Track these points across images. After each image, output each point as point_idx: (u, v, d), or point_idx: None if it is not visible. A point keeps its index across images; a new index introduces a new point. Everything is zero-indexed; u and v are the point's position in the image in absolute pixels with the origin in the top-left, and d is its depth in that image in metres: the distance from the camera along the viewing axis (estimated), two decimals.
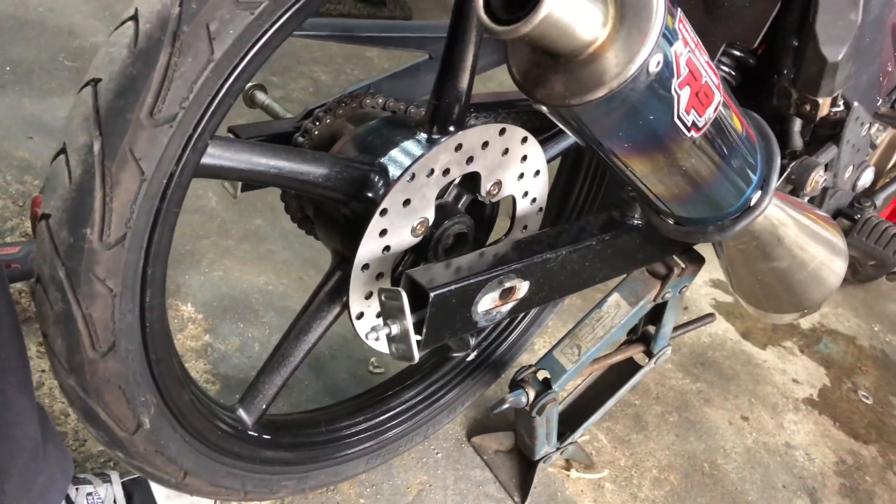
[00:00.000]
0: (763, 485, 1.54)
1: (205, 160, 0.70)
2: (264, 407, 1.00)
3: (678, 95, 0.64)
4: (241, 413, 0.99)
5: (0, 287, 0.73)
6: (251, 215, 1.57)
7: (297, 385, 1.34)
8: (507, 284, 0.92)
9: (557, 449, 1.36)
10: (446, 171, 0.89)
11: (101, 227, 0.59)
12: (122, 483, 1.02)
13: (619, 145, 0.69)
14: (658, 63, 0.60)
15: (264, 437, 1.02)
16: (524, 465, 1.36)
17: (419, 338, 0.86)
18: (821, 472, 1.63)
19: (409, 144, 0.88)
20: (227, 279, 1.45)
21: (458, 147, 0.88)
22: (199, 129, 0.62)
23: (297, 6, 0.65)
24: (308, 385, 1.35)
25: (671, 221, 0.88)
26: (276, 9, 0.63)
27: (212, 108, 0.62)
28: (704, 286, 2.00)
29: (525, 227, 1.08)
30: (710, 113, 0.68)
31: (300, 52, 2.44)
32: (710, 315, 1.49)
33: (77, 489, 0.98)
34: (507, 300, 0.94)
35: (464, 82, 0.90)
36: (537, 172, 1.02)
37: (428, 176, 0.87)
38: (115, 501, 0.99)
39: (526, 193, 1.03)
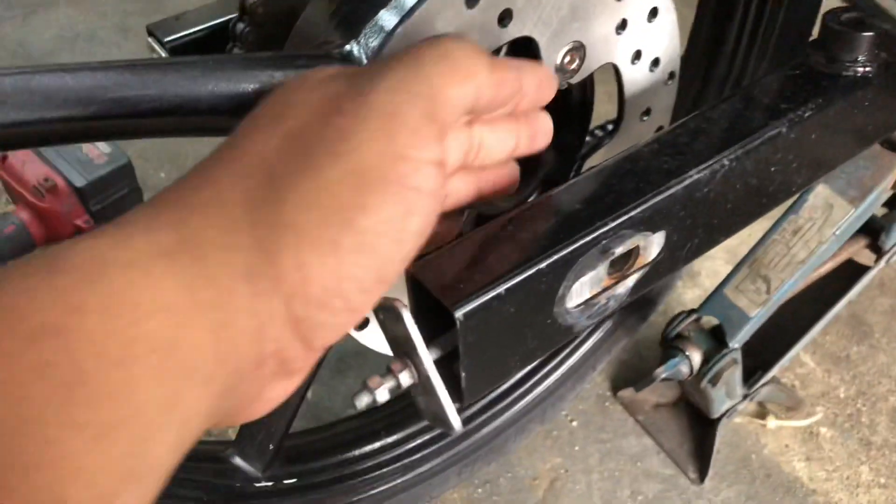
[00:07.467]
0: None
1: None
2: (272, 447, 0.66)
3: None
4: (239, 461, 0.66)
5: None
6: None
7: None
8: (621, 249, 0.48)
9: (745, 396, 0.94)
10: None
11: None
12: None
13: None
14: None
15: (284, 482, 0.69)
16: (698, 424, 0.96)
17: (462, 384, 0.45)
18: None
19: None
20: None
21: None
22: None
23: None
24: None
25: None
26: None
27: None
28: None
29: (647, 113, 0.62)
30: None
31: None
32: None
33: None
34: (626, 272, 0.51)
35: None
36: (653, 12, 0.54)
37: None
38: None
39: (638, 54, 0.56)
